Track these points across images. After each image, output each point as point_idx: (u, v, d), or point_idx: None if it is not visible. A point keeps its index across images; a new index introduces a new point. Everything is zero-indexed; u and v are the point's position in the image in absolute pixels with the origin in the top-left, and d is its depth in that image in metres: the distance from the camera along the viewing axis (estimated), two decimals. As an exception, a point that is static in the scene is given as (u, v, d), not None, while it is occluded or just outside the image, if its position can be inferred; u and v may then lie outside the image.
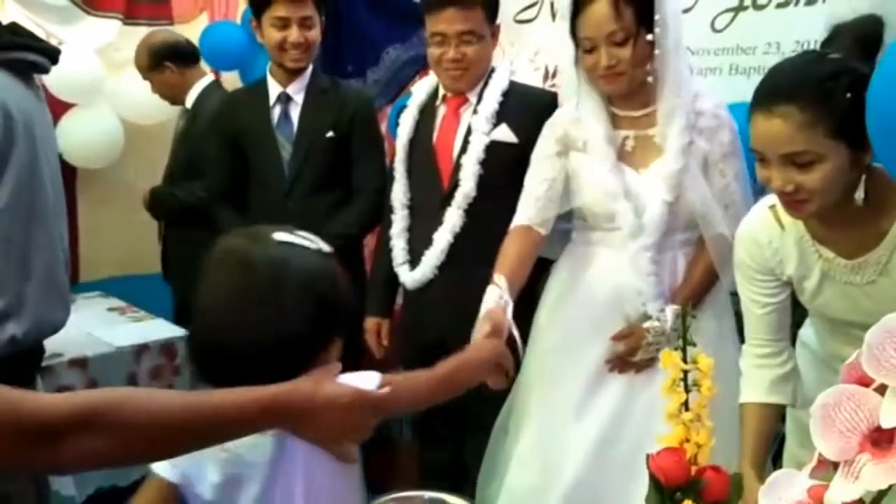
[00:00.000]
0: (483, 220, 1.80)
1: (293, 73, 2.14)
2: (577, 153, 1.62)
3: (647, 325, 1.55)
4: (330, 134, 2.11)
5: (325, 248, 1.00)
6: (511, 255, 1.59)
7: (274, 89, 2.16)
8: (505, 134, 1.82)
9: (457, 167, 1.85)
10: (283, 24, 2.05)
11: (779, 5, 2.11)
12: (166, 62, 2.65)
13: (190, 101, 2.69)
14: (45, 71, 1.74)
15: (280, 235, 0.97)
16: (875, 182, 1.12)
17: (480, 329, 1.36)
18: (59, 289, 1.75)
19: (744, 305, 1.37)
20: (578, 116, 1.62)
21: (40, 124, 1.70)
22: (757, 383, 1.34)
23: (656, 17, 1.47)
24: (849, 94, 1.03)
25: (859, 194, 1.10)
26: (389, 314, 2.05)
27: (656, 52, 1.49)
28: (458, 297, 1.78)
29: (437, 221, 1.85)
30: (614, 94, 1.57)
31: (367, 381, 0.96)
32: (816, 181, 1.09)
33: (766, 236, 1.29)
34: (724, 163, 1.55)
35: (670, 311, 1.54)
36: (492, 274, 1.70)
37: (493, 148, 1.81)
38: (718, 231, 1.53)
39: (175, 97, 2.72)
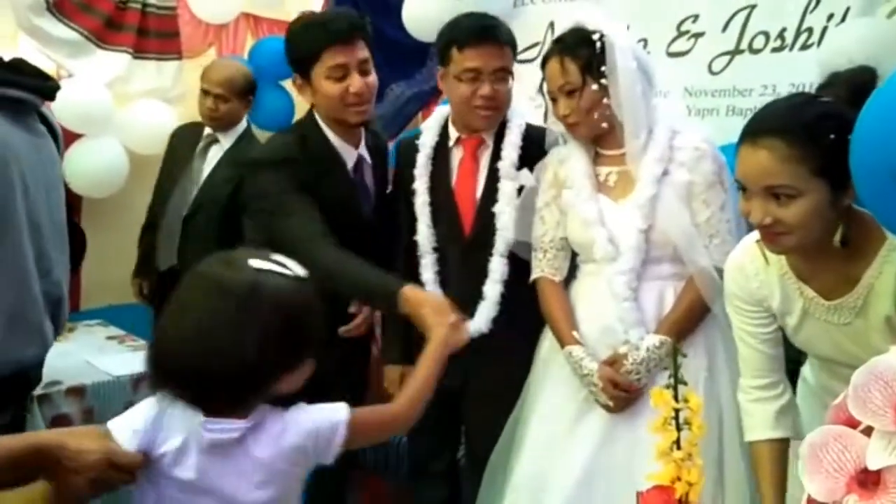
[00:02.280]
0: (517, 266, 1.80)
1: (356, 129, 1.87)
2: (567, 190, 1.70)
3: (622, 349, 1.58)
4: (389, 188, 1.99)
5: (301, 273, 1.04)
6: (560, 309, 1.69)
7: (348, 153, 1.87)
8: (528, 179, 1.81)
9: (481, 213, 1.82)
10: (342, 72, 1.75)
11: (774, 49, 2.17)
12: (251, 94, 2.73)
13: (227, 137, 2.72)
14: (35, 108, 1.73)
15: (256, 261, 1.01)
16: (855, 226, 1.15)
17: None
18: (30, 326, 1.69)
19: (737, 338, 1.39)
20: (564, 156, 1.72)
21: (26, 157, 1.67)
22: (760, 419, 1.35)
23: (603, 68, 1.57)
24: (834, 136, 1.06)
25: (837, 237, 1.12)
26: (411, 359, 1.97)
27: (605, 100, 1.59)
28: (495, 344, 1.78)
29: (462, 267, 1.83)
30: (578, 139, 1.68)
31: (333, 411, 1.08)
32: (794, 216, 1.11)
33: (752, 268, 1.31)
34: (707, 193, 1.59)
35: (647, 340, 1.56)
36: (526, 314, 1.77)
37: (519, 193, 1.80)
38: (701, 265, 1.56)
39: (222, 125, 2.72)
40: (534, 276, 1.75)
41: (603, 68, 1.57)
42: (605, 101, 1.59)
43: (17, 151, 1.66)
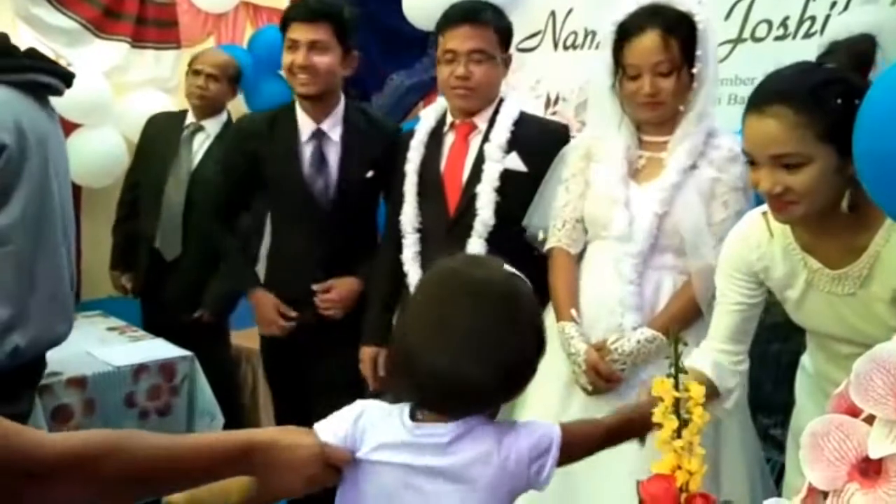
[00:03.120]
0: (498, 249, 1.81)
1: (324, 106, 2.06)
2: (596, 164, 1.68)
3: (611, 339, 1.57)
4: (370, 174, 2.06)
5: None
6: (565, 283, 1.68)
7: (306, 124, 2.07)
8: (515, 163, 1.83)
9: (466, 195, 1.84)
10: (294, 46, 2.01)
11: (777, 38, 2.15)
12: (237, 83, 2.82)
13: (212, 124, 2.75)
14: (59, 93, 1.79)
15: (508, 267, 0.97)
16: (860, 194, 1.13)
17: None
18: (62, 302, 1.77)
19: (717, 305, 1.38)
20: (602, 134, 1.68)
21: (53, 143, 1.74)
22: (702, 358, 1.32)
23: (698, 52, 1.53)
24: (840, 101, 1.05)
25: (845, 203, 1.12)
26: (387, 342, 2.00)
27: (694, 85, 1.55)
28: None
29: (444, 248, 1.83)
30: (650, 122, 1.63)
31: (549, 427, 0.98)
32: (804, 183, 1.10)
33: (755, 239, 1.31)
34: (729, 195, 1.57)
35: (639, 333, 1.55)
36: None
37: (505, 176, 1.82)
38: (704, 262, 1.54)
39: (208, 108, 2.76)
40: (549, 245, 1.75)
41: (699, 53, 1.53)
42: (693, 85, 1.55)
43: (46, 134, 1.72)
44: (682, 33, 1.53)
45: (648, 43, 1.53)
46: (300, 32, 1.99)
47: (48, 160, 1.70)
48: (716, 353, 1.35)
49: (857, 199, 1.12)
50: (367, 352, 1.99)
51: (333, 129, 2.07)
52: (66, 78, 1.80)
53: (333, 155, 2.07)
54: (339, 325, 2.08)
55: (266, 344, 2.24)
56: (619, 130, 1.64)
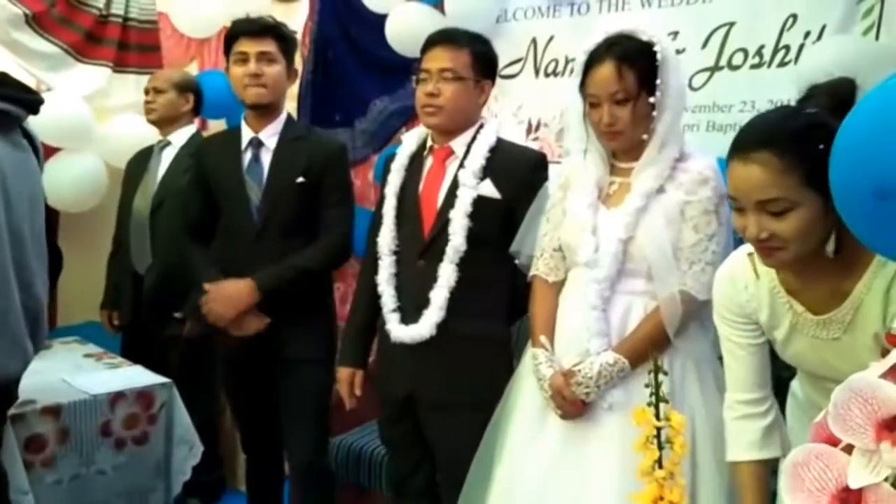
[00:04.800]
0: (468, 274, 1.82)
1: (265, 118, 2.19)
2: (571, 192, 1.70)
3: (574, 364, 1.58)
4: (300, 179, 2.16)
5: None
6: (542, 311, 1.71)
7: (246, 134, 2.21)
8: (489, 189, 1.84)
9: (440, 219, 1.85)
10: (244, 58, 2.14)
11: (753, 66, 2.19)
12: (191, 93, 2.85)
13: (178, 136, 2.79)
14: (18, 120, 1.74)
15: None
16: (846, 238, 1.14)
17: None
18: (12, 337, 1.69)
19: (724, 350, 1.38)
20: (578, 162, 1.69)
21: (10, 170, 1.68)
22: (746, 438, 1.34)
23: (658, 81, 1.55)
24: (823, 146, 1.06)
25: (830, 246, 1.12)
26: (364, 364, 2.02)
27: (654, 113, 1.57)
28: (445, 353, 1.82)
29: (418, 271, 1.85)
30: (614, 149, 1.65)
31: None
32: (790, 229, 1.11)
33: (742, 281, 1.31)
34: (699, 219, 1.57)
35: (602, 357, 1.55)
36: (478, 325, 1.83)
37: (478, 202, 1.83)
38: (670, 291, 1.54)
39: (165, 124, 2.80)
40: (530, 274, 1.76)
41: (658, 82, 1.55)
42: (653, 114, 1.57)
43: (0, 161, 1.65)
44: (640, 62, 1.55)
45: (605, 73, 1.56)
46: (249, 46, 2.14)
47: None
48: (743, 411, 1.35)
49: (841, 243, 1.13)
50: (343, 372, 2.01)
51: (271, 138, 2.20)
52: (32, 105, 1.76)
53: (265, 162, 2.19)
54: (292, 339, 2.16)
55: (224, 364, 2.32)
56: (585, 158, 1.67)
